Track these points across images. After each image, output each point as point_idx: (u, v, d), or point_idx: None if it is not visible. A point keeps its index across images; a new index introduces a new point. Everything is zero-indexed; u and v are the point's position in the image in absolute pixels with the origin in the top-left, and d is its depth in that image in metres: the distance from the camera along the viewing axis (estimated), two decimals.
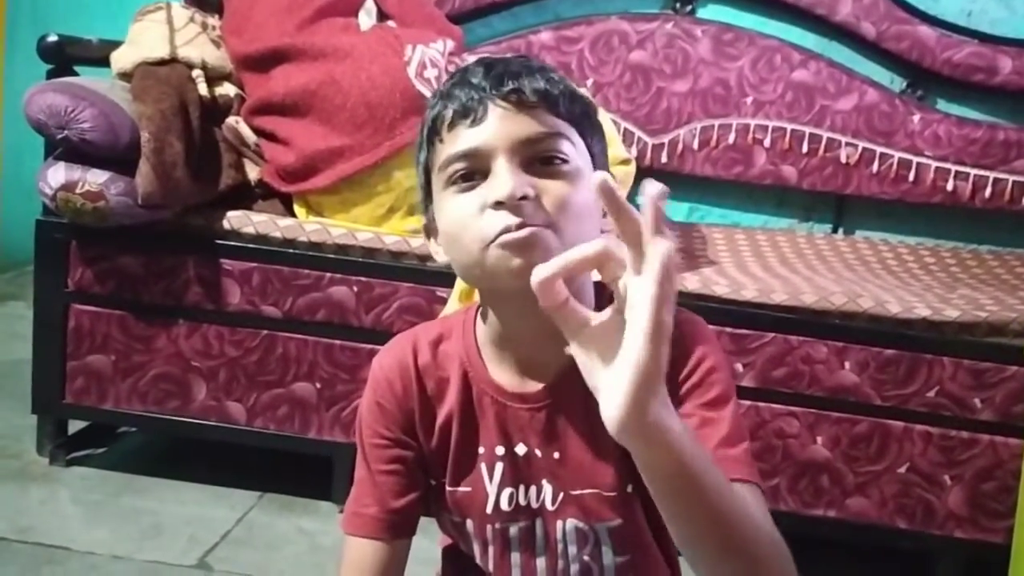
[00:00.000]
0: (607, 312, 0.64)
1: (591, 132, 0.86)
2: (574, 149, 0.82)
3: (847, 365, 1.74)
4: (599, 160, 0.86)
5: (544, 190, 0.79)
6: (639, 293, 0.58)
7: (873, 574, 1.88)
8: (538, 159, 0.80)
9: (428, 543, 1.02)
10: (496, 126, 0.80)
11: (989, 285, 2.02)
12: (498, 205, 0.77)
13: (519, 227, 0.77)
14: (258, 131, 1.91)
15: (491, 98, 0.80)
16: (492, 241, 0.78)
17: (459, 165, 0.81)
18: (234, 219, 1.82)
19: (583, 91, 0.95)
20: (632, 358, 0.59)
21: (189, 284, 1.83)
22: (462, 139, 0.81)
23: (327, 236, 1.81)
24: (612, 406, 0.60)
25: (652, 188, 0.58)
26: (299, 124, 1.85)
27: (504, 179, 0.78)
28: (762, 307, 1.74)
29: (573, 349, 0.65)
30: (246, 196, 1.90)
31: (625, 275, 0.61)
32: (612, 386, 0.61)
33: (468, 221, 0.79)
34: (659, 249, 0.57)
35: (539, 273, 0.62)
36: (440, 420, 0.89)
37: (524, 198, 0.77)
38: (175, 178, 1.72)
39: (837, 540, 1.80)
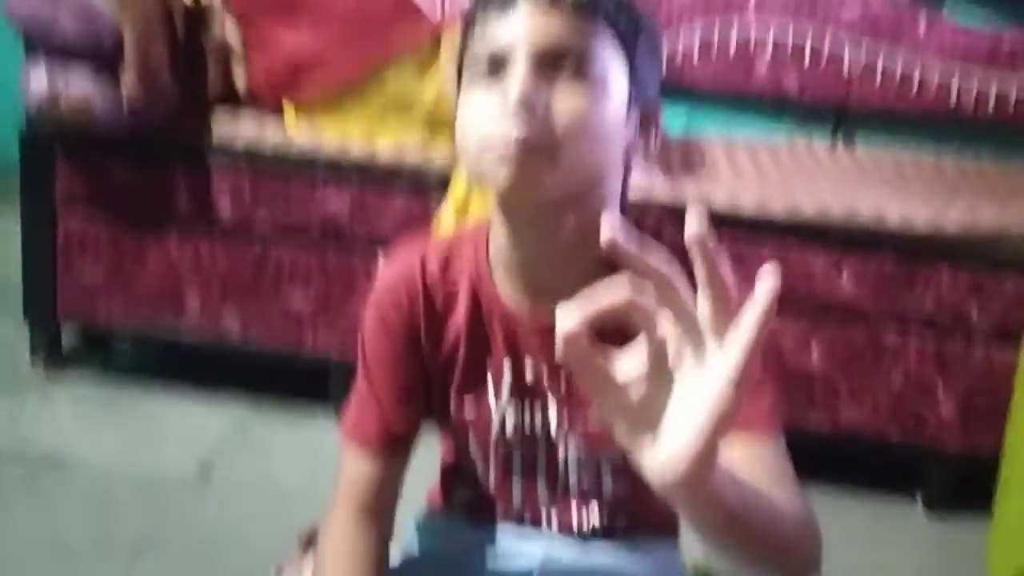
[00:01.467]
0: (634, 362, 0.55)
1: (640, 51, 0.79)
2: (605, 59, 0.76)
3: (844, 275, 1.73)
4: (643, 87, 0.79)
5: (558, 101, 0.74)
6: (732, 338, 0.51)
7: (865, 483, 1.90)
8: (562, 65, 0.75)
9: (430, 453, 1.02)
10: (521, 22, 0.75)
11: (990, 196, 2.00)
12: (504, 108, 0.73)
13: (516, 141, 0.72)
14: (246, 37, 1.86)
15: None
16: (488, 146, 0.74)
17: (479, 65, 0.76)
18: (223, 128, 1.78)
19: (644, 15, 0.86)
20: (714, 406, 0.51)
21: (179, 195, 1.80)
22: (488, 35, 0.76)
23: (319, 146, 1.77)
24: (674, 457, 0.54)
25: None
26: (288, 30, 1.80)
27: (515, 83, 0.73)
28: (760, 219, 1.72)
29: (598, 409, 0.55)
30: (234, 104, 1.85)
31: (664, 325, 0.53)
32: (670, 438, 0.54)
33: (472, 119, 0.76)
34: (767, 285, 0.50)
35: (564, 325, 0.53)
36: (448, 336, 0.87)
37: (533, 107, 0.73)
38: (160, 83, 1.70)
39: (829, 450, 1.82)
